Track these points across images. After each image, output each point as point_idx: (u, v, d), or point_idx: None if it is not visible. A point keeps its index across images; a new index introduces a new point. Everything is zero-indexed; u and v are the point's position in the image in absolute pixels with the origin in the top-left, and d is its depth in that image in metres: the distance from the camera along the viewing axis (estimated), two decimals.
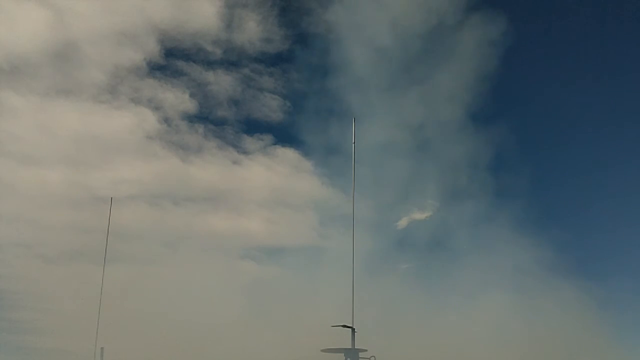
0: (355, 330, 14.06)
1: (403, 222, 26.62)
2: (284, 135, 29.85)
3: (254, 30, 29.04)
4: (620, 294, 26.26)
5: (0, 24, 26.75)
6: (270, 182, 29.94)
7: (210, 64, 29.63)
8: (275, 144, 29.84)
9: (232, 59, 29.77)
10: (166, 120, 29.26)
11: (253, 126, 30.19)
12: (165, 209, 28.34)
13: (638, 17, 28.19)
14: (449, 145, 26.26)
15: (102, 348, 16.45)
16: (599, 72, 29.05)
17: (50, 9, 27.23)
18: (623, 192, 28.09)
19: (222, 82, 29.67)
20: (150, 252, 25.40)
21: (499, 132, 26.06)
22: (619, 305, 25.83)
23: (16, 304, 23.52)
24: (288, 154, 29.62)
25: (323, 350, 14.09)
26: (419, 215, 26.64)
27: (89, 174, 27.89)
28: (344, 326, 13.99)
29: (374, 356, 13.96)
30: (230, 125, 29.94)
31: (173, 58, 29.39)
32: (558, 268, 24.34)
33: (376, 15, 26.48)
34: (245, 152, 29.94)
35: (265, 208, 29.88)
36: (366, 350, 14.02)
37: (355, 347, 13.96)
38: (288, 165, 29.72)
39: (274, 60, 30.09)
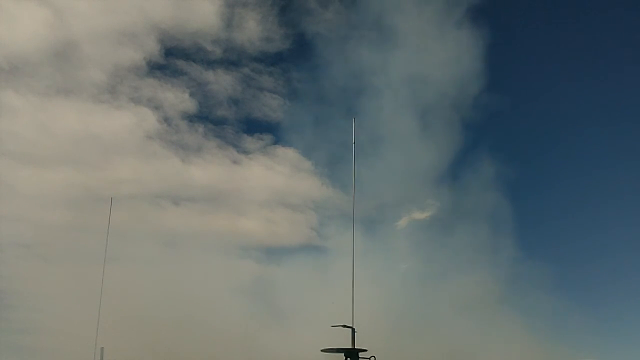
0: (355, 330, 14.07)
1: (403, 222, 26.61)
2: (284, 135, 29.91)
3: (254, 29, 29.11)
4: None
5: (0, 23, 26.80)
6: (270, 182, 30.01)
7: (210, 63, 29.71)
8: (275, 143, 29.93)
9: (232, 59, 29.86)
10: (166, 120, 29.33)
11: (253, 126, 30.30)
12: (165, 209, 28.37)
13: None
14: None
15: (102, 348, 16.43)
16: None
17: (50, 9, 27.34)
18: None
19: (222, 82, 29.74)
20: (150, 252, 25.38)
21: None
22: None
23: (16, 304, 23.51)
24: (288, 153, 29.67)
25: (323, 350, 14.06)
26: (419, 215, 26.63)
27: (89, 174, 27.94)
28: (344, 326, 14.00)
29: (374, 356, 13.96)
30: (230, 125, 30.02)
31: (173, 57, 29.49)
32: None
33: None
34: (245, 152, 30.02)
35: (265, 208, 29.94)
36: (366, 350, 14.02)
37: (355, 347, 13.96)
38: (288, 165, 29.78)
39: (274, 60, 30.15)
